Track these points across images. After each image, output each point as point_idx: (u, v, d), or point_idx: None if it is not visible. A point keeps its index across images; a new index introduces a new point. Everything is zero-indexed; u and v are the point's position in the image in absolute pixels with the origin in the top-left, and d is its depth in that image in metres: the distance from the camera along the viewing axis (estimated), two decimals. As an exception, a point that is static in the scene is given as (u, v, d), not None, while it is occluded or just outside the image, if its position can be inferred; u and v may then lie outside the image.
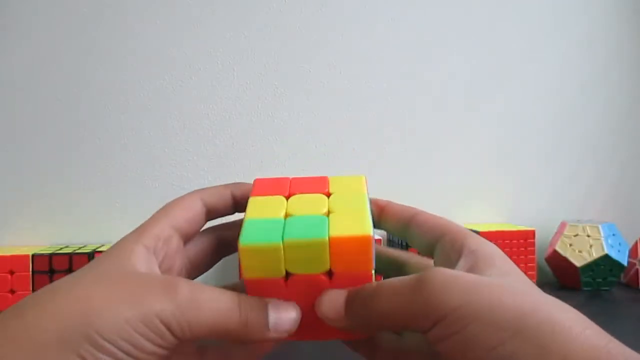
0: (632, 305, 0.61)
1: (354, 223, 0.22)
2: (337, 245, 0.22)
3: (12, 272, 0.56)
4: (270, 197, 0.26)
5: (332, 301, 0.23)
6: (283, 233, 0.22)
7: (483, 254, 0.22)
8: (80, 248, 0.61)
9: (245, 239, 0.22)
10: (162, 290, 0.21)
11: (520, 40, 0.78)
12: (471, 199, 0.76)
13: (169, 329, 0.20)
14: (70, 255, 0.57)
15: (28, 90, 0.67)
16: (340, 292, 0.23)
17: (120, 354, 0.19)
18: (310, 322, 0.23)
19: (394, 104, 0.75)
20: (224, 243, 0.29)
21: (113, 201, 0.68)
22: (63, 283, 0.21)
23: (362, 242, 0.22)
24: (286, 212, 0.24)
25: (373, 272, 0.23)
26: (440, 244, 0.25)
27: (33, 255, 0.56)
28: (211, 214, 0.27)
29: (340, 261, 0.22)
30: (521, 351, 0.18)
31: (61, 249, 0.61)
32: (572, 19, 0.80)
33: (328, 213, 0.24)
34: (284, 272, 0.23)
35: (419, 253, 0.28)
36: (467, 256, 0.23)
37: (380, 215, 0.28)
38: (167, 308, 0.20)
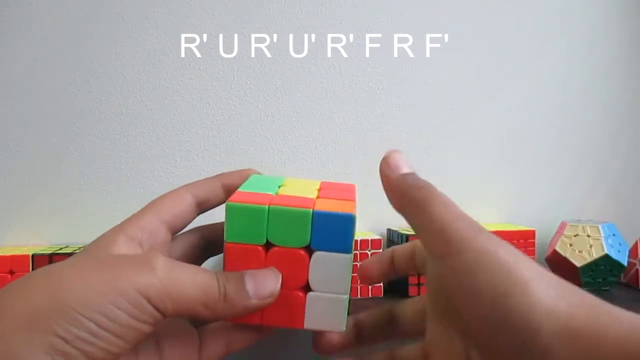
0: (632, 305, 0.60)
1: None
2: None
3: (12, 272, 0.56)
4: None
5: (400, 163, 0.25)
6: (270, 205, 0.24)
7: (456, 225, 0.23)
8: (80, 248, 0.61)
9: (234, 199, 0.23)
10: (138, 264, 0.20)
11: (520, 41, 0.78)
12: (471, 199, 0.76)
13: (149, 300, 0.19)
14: (70, 255, 0.57)
15: (27, 90, 0.67)
16: (407, 162, 0.25)
17: (95, 328, 0.18)
18: (283, 306, 0.24)
19: (394, 104, 0.75)
20: (211, 241, 0.29)
21: (113, 201, 0.68)
22: (39, 270, 0.21)
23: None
24: (278, 191, 0.26)
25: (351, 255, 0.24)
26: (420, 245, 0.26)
27: (33, 255, 0.56)
28: (202, 206, 0.27)
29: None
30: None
31: (61, 249, 0.61)
32: (572, 20, 0.80)
33: (317, 197, 0.25)
34: (265, 239, 0.23)
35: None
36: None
37: (392, 267, 0.29)
38: (146, 279, 0.20)
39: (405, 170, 0.24)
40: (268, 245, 0.23)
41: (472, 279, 0.19)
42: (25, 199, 0.67)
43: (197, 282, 0.21)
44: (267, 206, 0.23)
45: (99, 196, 0.68)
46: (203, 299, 0.21)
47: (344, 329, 0.24)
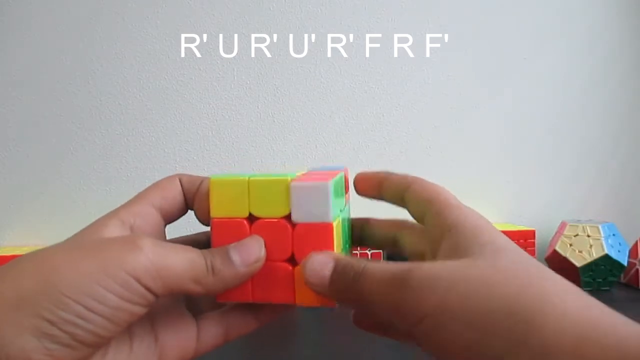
0: (632, 305, 0.61)
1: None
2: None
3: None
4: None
5: (319, 267, 0.23)
6: (250, 175, 0.24)
7: (468, 228, 0.22)
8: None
9: (216, 176, 0.25)
10: (126, 245, 0.20)
11: (521, 42, 0.78)
12: (471, 199, 0.75)
13: (138, 281, 0.19)
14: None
15: (28, 90, 0.67)
16: (327, 260, 0.23)
17: (83, 311, 0.18)
18: (271, 280, 0.24)
19: (394, 104, 0.75)
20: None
21: (113, 201, 0.68)
22: (30, 254, 0.21)
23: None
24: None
25: (333, 220, 0.23)
26: (427, 216, 0.24)
27: (33, 255, 0.56)
28: (187, 195, 0.27)
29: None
30: (495, 349, 0.18)
31: (61, 249, 0.61)
32: (572, 20, 0.80)
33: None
34: (247, 212, 0.24)
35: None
36: (451, 232, 0.22)
37: (381, 188, 0.28)
38: (134, 259, 0.20)
39: (326, 272, 0.23)
40: (252, 219, 0.24)
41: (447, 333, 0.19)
42: (25, 199, 0.67)
43: (184, 259, 0.21)
44: (247, 178, 0.24)
45: (99, 196, 0.68)
46: (192, 275, 0.21)
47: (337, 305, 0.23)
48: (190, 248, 0.22)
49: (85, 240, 0.22)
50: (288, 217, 0.24)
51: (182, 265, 0.21)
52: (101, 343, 0.20)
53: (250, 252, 0.23)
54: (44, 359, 0.18)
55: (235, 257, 0.23)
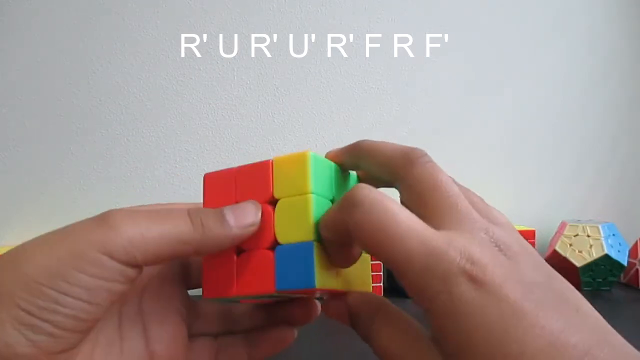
0: (632, 305, 0.61)
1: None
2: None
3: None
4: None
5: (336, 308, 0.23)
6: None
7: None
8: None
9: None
10: (95, 222, 0.20)
11: (520, 41, 0.78)
12: (471, 199, 0.76)
13: (111, 257, 0.19)
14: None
15: (28, 90, 0.67)
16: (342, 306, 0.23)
17: (59, 296, 0.18)
18: (253, 269, 0.23)
19: (394, 104, 0.75)
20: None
21: (113, 201, 0.68)
22: (8, 250, 0.21)
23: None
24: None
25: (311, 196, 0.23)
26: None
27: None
28: None
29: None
30: None
31: (61, 249, 0.61)
32: (572, 20, 0.80)
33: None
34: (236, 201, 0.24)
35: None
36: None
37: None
38: (103, 236, 0.19)
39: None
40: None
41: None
42: (25, 199, 0.67)
43: (165, 221, 0.21)
44: (236, 166, 0.25)
45: (99, 196, 0.68)
46: (175, 237, 0.20)
47: (316, 284, 0.21)
48: (173, 210, 0.22)
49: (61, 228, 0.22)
50: (271, 202, 0.24)
51: (163, 230, 0.20)
52: (85, 327, 0.19)
53: (246, 215, 0.23)
54: (29, 350, 0.18)
55: (230, 217, 0.22)
